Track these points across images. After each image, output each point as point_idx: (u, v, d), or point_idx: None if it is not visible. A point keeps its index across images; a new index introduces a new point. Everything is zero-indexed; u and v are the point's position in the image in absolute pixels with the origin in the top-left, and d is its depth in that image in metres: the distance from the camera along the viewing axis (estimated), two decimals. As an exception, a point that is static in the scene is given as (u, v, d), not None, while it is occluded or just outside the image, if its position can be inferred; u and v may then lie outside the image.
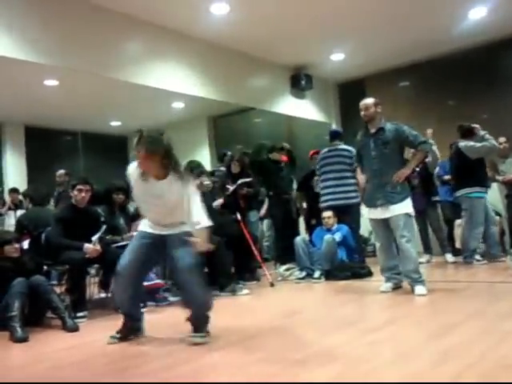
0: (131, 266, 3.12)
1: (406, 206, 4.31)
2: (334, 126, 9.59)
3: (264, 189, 6.92)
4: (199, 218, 3.01)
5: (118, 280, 3.22)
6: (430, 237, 6.64)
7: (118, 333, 3.24)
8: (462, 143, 6.03)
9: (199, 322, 3.10)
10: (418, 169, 6.13)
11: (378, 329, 3.09)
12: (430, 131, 6.38)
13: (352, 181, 5.84)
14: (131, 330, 3.28)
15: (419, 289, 4.20)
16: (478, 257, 6.06)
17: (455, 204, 6.88)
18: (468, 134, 6.07)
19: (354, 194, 5.94)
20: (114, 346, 3.13)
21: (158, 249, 3.16)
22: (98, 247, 4.20)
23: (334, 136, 6.49)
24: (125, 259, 3.14)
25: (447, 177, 6.68)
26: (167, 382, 2.28)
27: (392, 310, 3.81)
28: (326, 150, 6.37)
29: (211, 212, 5.39)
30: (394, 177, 4.29)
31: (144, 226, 3.24)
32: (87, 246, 4.15)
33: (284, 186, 6.83)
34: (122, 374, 2.50)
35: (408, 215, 4.30)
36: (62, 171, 7.67)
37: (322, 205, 6.16)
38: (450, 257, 6.38)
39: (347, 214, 6.00)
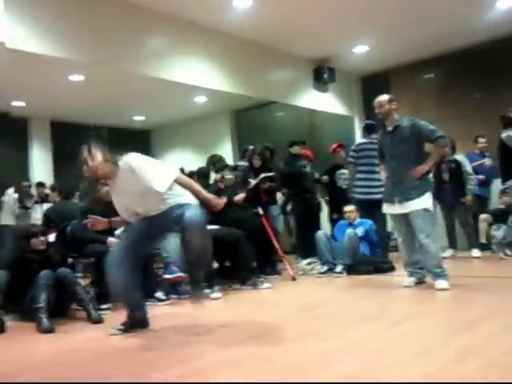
0: (120, 255, 3.17)
1: (424, 201, 4.26)
2: (356, 120, 9.53)
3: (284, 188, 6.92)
4: (156, 185, 3.00)
5: (108, 272, 3.18)
6: (457, 232, 6.55)
7: (122, 325, 3.28)
8: (504, 134, 5.88)
9: (197, 275, 3.14)
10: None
11: (400, 323, 3.07)
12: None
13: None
14: (135, 322, 3.28)
15: (440, 283, 4.16)
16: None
17: (481, 198, 6.79)
18: (510, 124, 5.90)
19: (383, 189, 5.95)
20: (136, 338, 3.18)
21: (149, 229, 3.21)
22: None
23: (370, 129, 6.41)
24: (112, 251, 3.26)
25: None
26: (171, 382, 2.30)
27: (415, 305, 3.78)
28: (364, 141, 6.30)
29: (233, 206, 5.48)
30: (411, 173, 4.25)
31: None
32: (111, 239, 4.22)
33: (307, 184, 6.79)
34: (143, 367, 2.54)
35: (426, 210, 4.25)
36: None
37: (357, 196, 6.12)
38: (476, 252, 6.29)
39: (377, 208, 5.97)
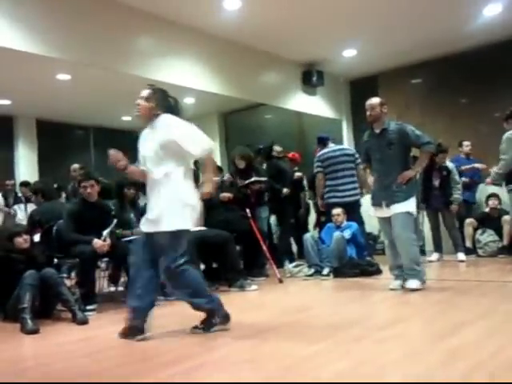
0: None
1: (408, 205, 4.31)
2: (344, 124, 9.58)
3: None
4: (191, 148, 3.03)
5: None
6: (442, 236, 6.60)
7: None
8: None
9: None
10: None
11: (387, 327, 3.08)
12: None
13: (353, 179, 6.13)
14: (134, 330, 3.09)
15: (410, 282, 4.23)
16: None
17: (467, 202, 6.86)
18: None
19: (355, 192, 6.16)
20: (123, 340, 3.14)
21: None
22: (108, 242, 4.23)
23: (325, 140, 6.57)
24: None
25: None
26: (168, 382, 2.28)
27: (401, 308, 3.80)
28: (329, 149, 6.35)
29: (220, 208, 5.46)
30: (399, 178, 4.29)
31: None
32: (96, 241, 4.18)
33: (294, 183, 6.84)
34: (131, 368, 2.51)
35: (408, 213, 4.30)
36: (76, 165, 7.69)
37: (330, 200, 6.17)
38: (462, 256, 6.33)
39: (352, 211, 6.03)
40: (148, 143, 3.17)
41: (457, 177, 6.45)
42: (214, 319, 3.15)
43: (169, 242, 2.99)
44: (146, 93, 3.27)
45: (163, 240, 3.00)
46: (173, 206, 3.01)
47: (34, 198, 6.66)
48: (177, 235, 3.00)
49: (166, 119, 3.12)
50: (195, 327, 3.17)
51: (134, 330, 3.08)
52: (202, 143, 3.09)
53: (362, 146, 4.80)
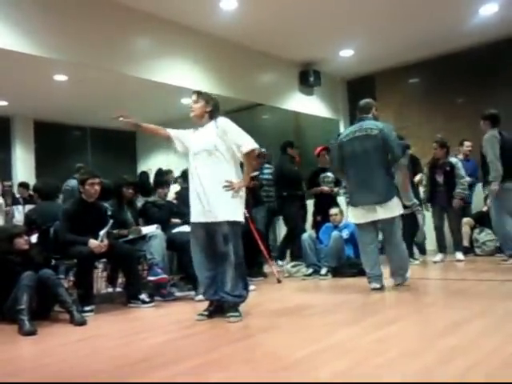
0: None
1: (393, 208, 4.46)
2: (341, 124, 9.58)
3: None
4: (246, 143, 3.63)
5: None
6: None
7: (205, 311, 3.58)
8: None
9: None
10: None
11: (385, 326, 3.08)
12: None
13: None
14: (216, 309, 3.58)
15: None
16: None
17: (465, 202, 6.83)
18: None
19: None
20: (121, 340, 3.15)
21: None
22: (105, 242, 4.22)
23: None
24: None
25: None
26: (167, 382, 2.28)
27: (399, 308, 3.80)
28: None
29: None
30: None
31: None
32: (92, 241, 4.16)
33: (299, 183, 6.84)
34: (129, 368, 2.51)
35: (394, 218, 4.44)
36: (79, 165, 7.65)
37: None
38: (460, 255, 6.32)
39: None
40: (205, 139, 3.61)
41: (462, 171, 6.25)
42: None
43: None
44: (201, 96, 3.74)
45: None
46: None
47: (35, 197, 6.63)
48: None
49: (224, 120, 3.67)
50: (228, 316, 3.48)
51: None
52: (252, 143, 3.63)
53: None
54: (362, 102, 4.64)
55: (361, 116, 4.57)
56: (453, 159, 6.38)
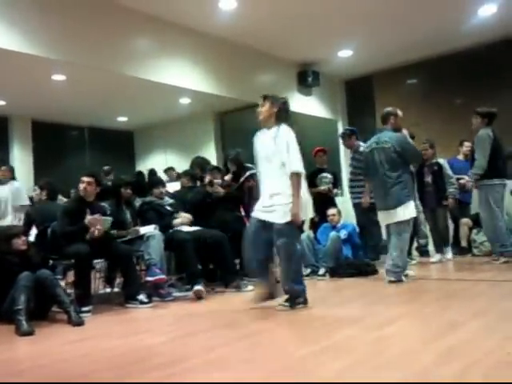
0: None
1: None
2: (340, 124, 9.58)
3: None
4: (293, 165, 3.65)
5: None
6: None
7: (286, 301, 3.76)
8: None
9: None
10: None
11: (383, 326, 3.08)
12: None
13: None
14: (266, 295, 3.81)
15: None
16: None
17: (463, 203, 6.84)
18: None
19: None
20: (119, 340, 3.14)
21: None
22: (101, 217, 4.32)
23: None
24: None
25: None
26: (165, 382, 2.27)
27: (397, 308, 3.80)
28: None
29: (216, 208, 5.46)
30: None
31: None
32: (89, 217, 4.22)
33: None
34: (126, 369, 2.51)
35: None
36: (107, 167, 7.64)
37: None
38: (449, 254, 6.34)
39: None
40: (265, 144, 3.79)
41: (449, 171, 6.35)
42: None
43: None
44: (267, 99, 3.83)
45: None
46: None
47: (35, 195, 6.61)
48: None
49: (283, 129, 3.73)
50: (281, 304, 3.73)
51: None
52: (296, 165, 3.62)
53: None
54: (383, 111, 5.11)
55: (382, 127, 5.05)
56: (440, 160, 6.44)
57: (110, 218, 4.46)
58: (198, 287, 4.48)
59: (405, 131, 5.04)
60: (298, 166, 3.63)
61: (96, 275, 4.89)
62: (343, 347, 2.65)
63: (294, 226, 3.67)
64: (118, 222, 4.76)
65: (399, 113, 5.05)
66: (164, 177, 7.49)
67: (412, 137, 5.57)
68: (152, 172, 6.59)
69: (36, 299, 3.72)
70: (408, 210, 4.69)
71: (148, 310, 4.22)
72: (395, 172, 4.73)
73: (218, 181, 5.62)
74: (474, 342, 2.56)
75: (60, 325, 3.69)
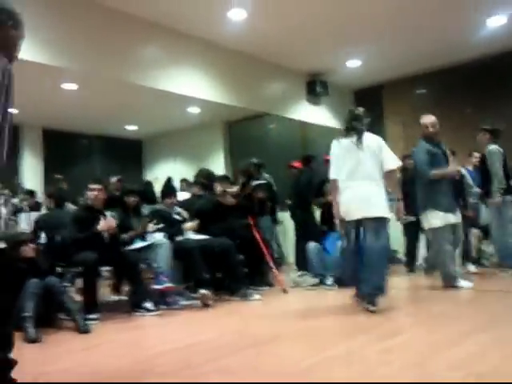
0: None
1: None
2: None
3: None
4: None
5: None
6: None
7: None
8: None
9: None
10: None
11: (390, 337, 3.06)
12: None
13: None
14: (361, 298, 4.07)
15: None
16: None
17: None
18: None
19: None
20: (126, 349, 3.14)
21: None
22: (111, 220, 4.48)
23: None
24: None
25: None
26: (167, 381, 2.27)
27: (405, 318, 3.78)
28: None
29: (224, 216, 5.46)
30: None
31: None
32: (102, 223, 4.38)
33: (304, 192, 6.79)
34: (131, 377, 2.50)
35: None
36: (115, 178, 7.69)
37: None
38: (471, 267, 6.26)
39: None
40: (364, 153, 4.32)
41: (470, 181, 6.34)
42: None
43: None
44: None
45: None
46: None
47: (43, 202, 6.63)
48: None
49: (375, 137, 4.39)
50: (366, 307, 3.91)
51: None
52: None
53: (428, 155, 5.23)
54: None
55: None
56: (461, 169, 6.38)
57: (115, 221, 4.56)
58: (203, 291, 4.48)
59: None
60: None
61: (104, 283, 4.90)
62: (349, 357, 2.63)
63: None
64: (126, 229, 4.78)
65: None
66: (178, 186, 7.49)
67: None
68: (169, 180, 6.57)
69: (44, 306, 3.73)
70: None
71: (155, 317, 4.22)
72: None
73: (232, 190, 5.65)
74: (482, 354, 2.54)
75: (67, 332, 3.70)
